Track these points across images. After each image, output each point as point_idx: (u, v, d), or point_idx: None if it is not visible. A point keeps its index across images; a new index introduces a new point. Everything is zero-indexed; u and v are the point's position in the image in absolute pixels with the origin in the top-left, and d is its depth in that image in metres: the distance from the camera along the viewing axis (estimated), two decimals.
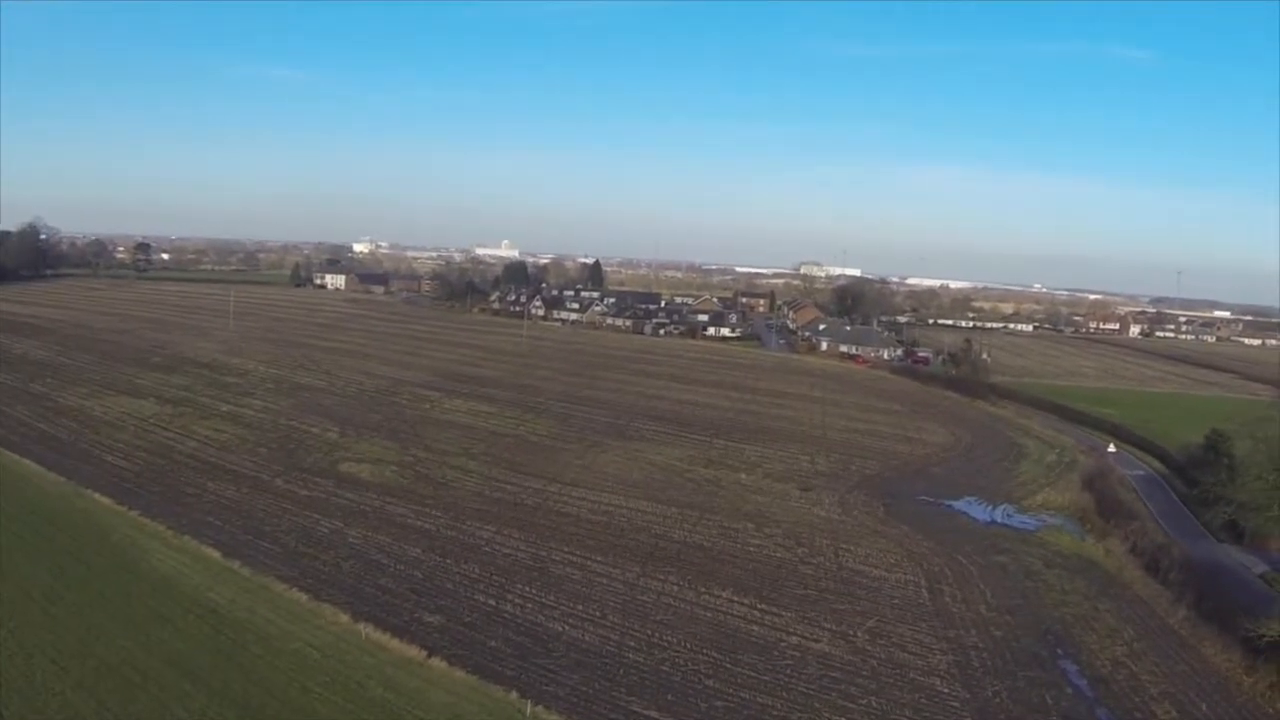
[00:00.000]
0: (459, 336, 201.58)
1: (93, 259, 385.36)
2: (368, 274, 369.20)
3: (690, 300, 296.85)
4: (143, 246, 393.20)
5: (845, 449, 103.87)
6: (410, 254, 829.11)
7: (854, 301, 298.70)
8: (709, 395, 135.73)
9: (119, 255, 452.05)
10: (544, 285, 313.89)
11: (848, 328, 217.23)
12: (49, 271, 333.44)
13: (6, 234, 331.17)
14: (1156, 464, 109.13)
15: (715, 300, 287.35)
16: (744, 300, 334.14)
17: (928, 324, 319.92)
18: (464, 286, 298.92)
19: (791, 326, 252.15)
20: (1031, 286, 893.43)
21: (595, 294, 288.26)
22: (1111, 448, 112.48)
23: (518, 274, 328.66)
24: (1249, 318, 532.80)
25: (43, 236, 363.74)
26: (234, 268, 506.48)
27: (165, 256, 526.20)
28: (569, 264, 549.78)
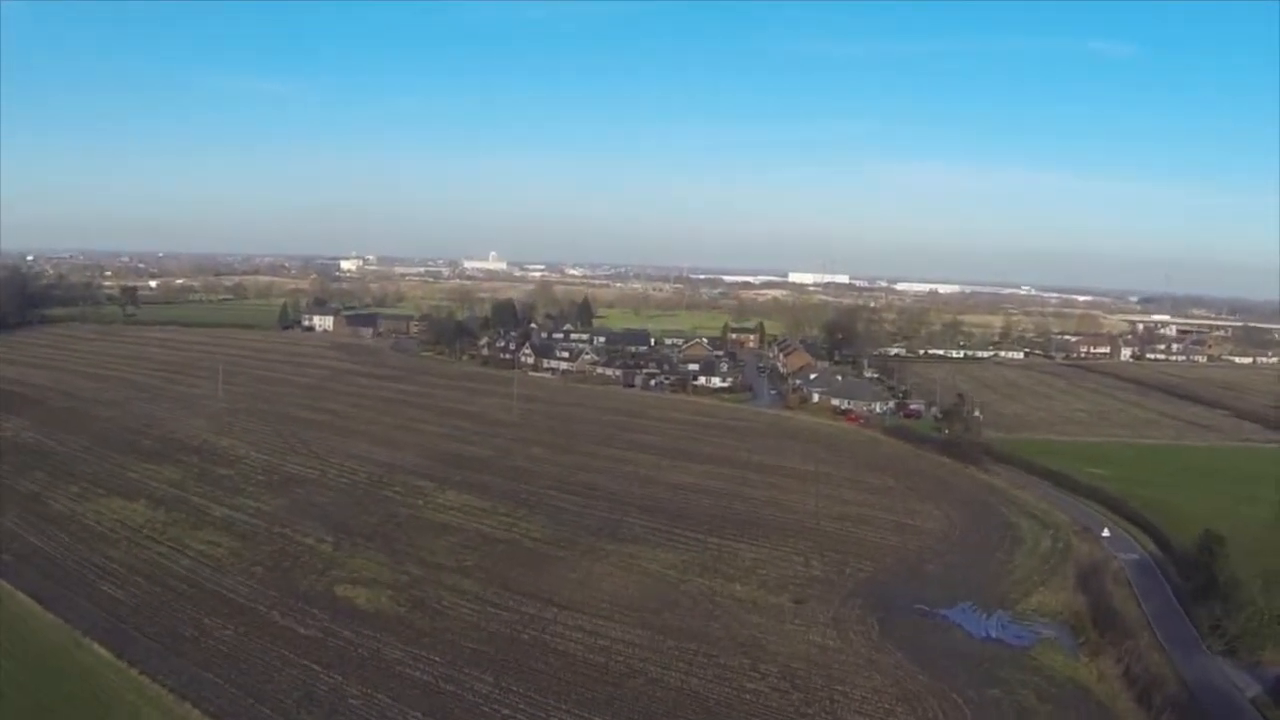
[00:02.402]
0: (450, 398, 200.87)
1: (80, 297, 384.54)
2: (355, 315, 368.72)
3: (680, 341, 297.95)
4: (128, 290, 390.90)
5: (839, 545, 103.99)
6: (399, 269, 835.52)
7: (844, 337, 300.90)
8: (702, 474, 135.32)
9: (106, 285, 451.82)
10: (533, 326, 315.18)
11: (839, 378, 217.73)
12: (36, 313, 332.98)
13: None
14: (1152, 546, 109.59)
15: (705, 343, 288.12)
16: (734, 337, 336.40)
17: (918, 355, 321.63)
18: (453, 330, 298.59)
19: (782, 371, 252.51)
20: (1020, 288, 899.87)
21: (584, 336, 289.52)
22: (1106, 531, 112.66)
23: (506, 314, 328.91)
24: (1238, 320, 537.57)
25: (29, 259, 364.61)
26: (222, 297, 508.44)
27: (153, 285, 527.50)
28: (557, 288, 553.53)
